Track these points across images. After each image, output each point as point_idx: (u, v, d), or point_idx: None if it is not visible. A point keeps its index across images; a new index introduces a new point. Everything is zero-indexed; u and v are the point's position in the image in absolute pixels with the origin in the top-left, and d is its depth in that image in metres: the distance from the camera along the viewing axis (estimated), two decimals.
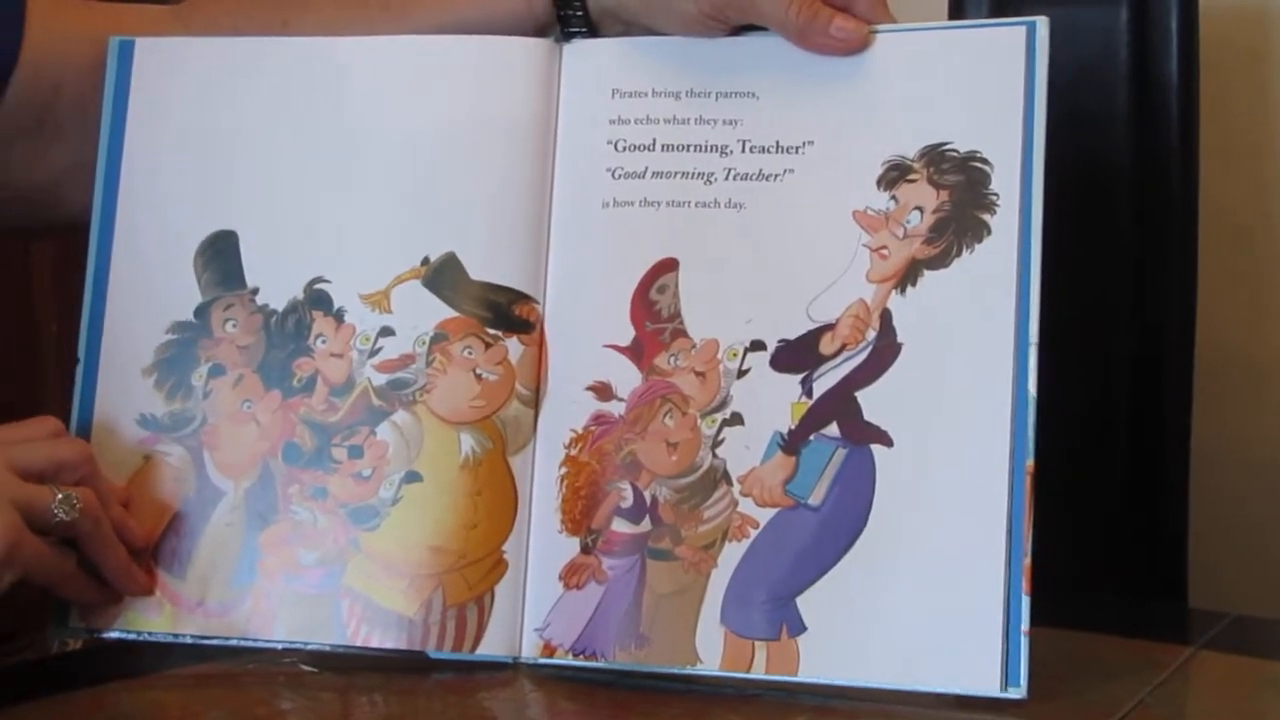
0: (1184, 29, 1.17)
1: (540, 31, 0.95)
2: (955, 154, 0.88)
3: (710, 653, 0.86)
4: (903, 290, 0.88)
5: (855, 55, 0.90)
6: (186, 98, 0.96)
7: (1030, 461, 0.84)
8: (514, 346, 0.91)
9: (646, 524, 0.88)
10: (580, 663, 0.88)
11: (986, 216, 0.87)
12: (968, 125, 0.88)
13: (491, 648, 0.89)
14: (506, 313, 0.91)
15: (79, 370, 0.94)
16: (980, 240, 0.87)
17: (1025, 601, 0.83)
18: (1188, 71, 1.17)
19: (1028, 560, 0.83)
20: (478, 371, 0.91)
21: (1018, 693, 0.82)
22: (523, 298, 0.92)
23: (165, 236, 0.94)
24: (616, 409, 0.90)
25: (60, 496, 0.86)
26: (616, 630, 0.88)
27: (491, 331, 0.91)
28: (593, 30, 0.95)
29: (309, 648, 0.90)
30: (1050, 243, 0.86)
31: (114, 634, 0.91)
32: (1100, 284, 1.17)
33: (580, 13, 0.94)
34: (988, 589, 0.83)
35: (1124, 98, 1.18)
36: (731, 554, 0.87)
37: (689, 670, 0.86)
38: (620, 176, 0.92)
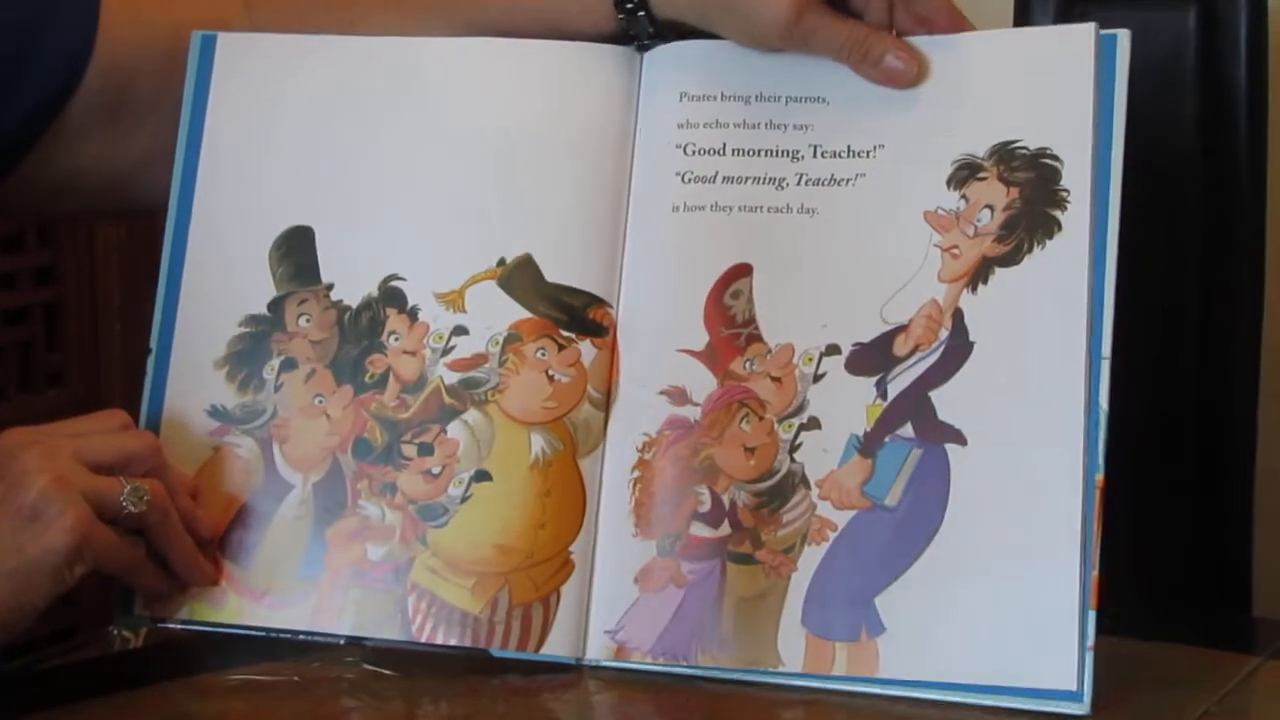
0: (1253, 32, 1.16)
1: (602, 22, 0.94)
2: (1025, 151, 0.88)
3: (792, 655, 0.86)
4: (974, 289, 0.87)
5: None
6: (267, 93, 0.96)
7: (1100, 475, 0.84)
8: (587, 349, 0.91)
9: (726, 528, 0.88)
10: (657, 666, 0.88)
11: (1057, 213, 0.87)
12: (1036, 123, 0.88)
13: (555, 648, 0.89)
14: (580, 316, 0.91)
15: (151, 360, 0.94)
16: (1051, 236, 0.87)
17: (1091, 616, 0.82)
18: (1256, 74, 1.17)
19: (1095, 574, 0.83)
20: (550, 373, 0.91)
21: (1081, 708, 0.82)
22: (597, 301, 0.91)
23: (241, 230, 0.95)
24: (691, 414, 0.90)
25: (129, 488, 0.86)
26: (698, 633, 0.88)
27: (565, 334, 0.91)
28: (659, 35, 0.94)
29: (373, 642, 0.90)
30: (1117, 245, 0.86)
31: (179, 623, 0.91)
32: (1166, 288, 1.16)
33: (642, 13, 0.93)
34: (1063, 589, 0.83)
35: (1192, 101, 1.17)
36: (811, 557, 0.87)
37: (771, 672, 0.86)
38: (690, 181, 0.92)
